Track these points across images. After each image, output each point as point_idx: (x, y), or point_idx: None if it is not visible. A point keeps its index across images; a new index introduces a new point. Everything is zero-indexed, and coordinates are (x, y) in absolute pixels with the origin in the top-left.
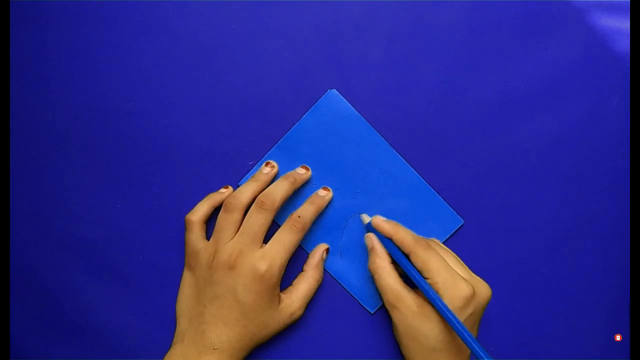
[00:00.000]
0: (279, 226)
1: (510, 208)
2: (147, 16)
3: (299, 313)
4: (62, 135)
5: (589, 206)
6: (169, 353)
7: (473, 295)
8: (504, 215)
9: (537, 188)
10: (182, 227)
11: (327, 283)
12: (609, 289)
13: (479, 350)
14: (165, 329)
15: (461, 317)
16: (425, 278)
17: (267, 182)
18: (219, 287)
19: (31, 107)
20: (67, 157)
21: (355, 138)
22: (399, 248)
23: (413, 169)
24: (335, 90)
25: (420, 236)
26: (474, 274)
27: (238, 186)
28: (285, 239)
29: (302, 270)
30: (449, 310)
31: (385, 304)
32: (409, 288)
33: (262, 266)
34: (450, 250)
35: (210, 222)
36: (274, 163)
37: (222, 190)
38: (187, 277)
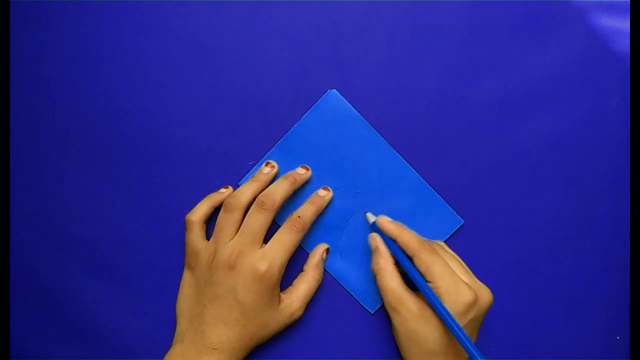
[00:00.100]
0: (279, 226)
1: (510, 208)
2: (147, 16)
3: (299, 313)
4: (62, 135)
5: (589, 206)
6: (169, 353)
7: (475, 301)
8: (504, 215)
9: (537, 188)
10: (182, 227)
11: (327, 283)
12: (609, 289)
13: (478, 357)
14: (165, 329)
15: (462, 322)
16: (427, 282)
17: (267, 182)
18: (219, 287)
19: (31, 107)
20: (67, 157)
21: (355, 138)
22: (402, 250)
23: (413, 169)
24: (335, 90)
25: (425, 239)
26: (477, 279)
27: (238, 186)
28: (285, 239)
29: (302, 270)
30: (449, 315)
31: (385, 305)
32: (410, 291)
33: (262, 266)
34: (455, 255)
35: (210, 222)
36: (274, 163)
37: (222, 190)
38: (187, 277)
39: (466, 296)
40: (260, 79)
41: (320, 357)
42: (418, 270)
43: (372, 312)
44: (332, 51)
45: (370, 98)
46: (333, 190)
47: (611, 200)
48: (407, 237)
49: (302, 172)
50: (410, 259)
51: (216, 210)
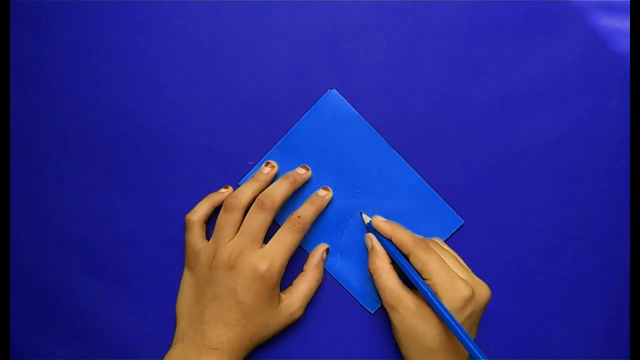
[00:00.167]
0: (279, 226)
1: (510, 208)
2: (147, 16)
3: (299, 313)
4: (62, 135)
5: (589, 206)
6: (169, 353)
7: (472, 296)
8: (504, 215)
9: (537, 188)
10: (182, 227)
11: (327, 283)
12: (609, 289)
13: (476, 352)
14: (165, 329)
15: (460, 318)
16: (424, 279)
17: (267, 182)
18: (219, 287)
19: (31, 107)
20: (67, 157)
21: (355, 138)
22: (398, 249)
23: (413, 169)
24: (335, 90)
25: (420, 237)
26: (474, 275)
27: (238, 186)
28: (285, 239)
29: (302, 270)
30: (447, 312)
31: (384, 304)
32: (407, 289)
33: (262, 266)
34: (451, 251)
35: (210, 222)
36: (274, 163)
37: (222, 190)
38: (187, 277)
39: (463, 292)
40: (260, 79)
41: (320, 357)
42: (414, 268)
43: (372, 312)
44: (332, 51)
45: (370, 98)
46: (333, 190)
47: (611, 200)
48: (402, 235)
49: (302, 172)
50: (406, 257)
51: (216, 210)
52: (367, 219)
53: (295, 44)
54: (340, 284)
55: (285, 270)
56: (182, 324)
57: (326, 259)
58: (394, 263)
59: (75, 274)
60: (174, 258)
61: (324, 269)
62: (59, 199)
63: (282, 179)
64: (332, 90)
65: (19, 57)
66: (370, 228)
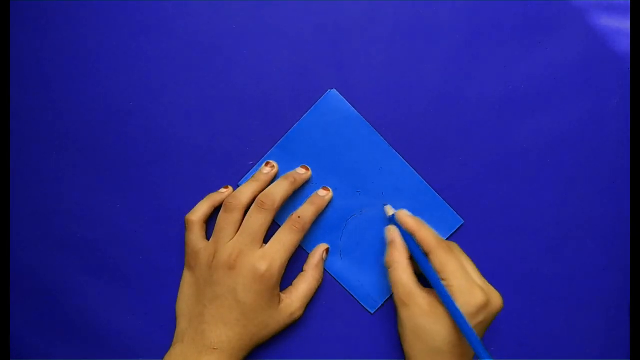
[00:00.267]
0: (279, 226)
1: (510, 208)
2: (147, 16)
3: (299, 313)
4: (62, 135)
5: (589, 206)
6: (169, 353)
7: (486, 304)
8: (504, 215)
9: (537, 188)
10: (182, 227)
11: (327, 283)
12: (609, 289)
13: (486, 358)
14: (165, 329)
15: (471, 323)
16: (441, 279)
17: (267, 182)
18: (219, 287)
19: (31, 107)
20: (67, 157)
21: (355, 138)
22: (419, 246)
23: (413, 169)
24: (335, 90)
25: (442, 238)
26: (489, 284)
27: (238, 186)
28: (285, 239)
29: (302, 270)
30: (461, 315)
31: (395, 299)
32: (421, 286)
33: (262, 266)
34: (469, 258)
35: (210, 222)
36: (274, 163)
37: (222, 190)
38: (187, 277)
39: (478, 298)
40: (260, 79)
41: (320, 357)
42: (433, 267)
43: (372, 312)
44: (332, 51)
45: (370, 98)
46: (333, 190)
47: (611, 200)
48: (426, 233)
49: (302, 172)
50: (426, 255)
51: (216, 210)
52: (390, 211)
53: (295, 44)
54: (340, 284)
55: (285, 270)
56: (182, 324)
57: (326, 259)
58: (410, 260)
59: (75, 274)
60: (174, 258)
61: (324, 269)
62: (59, 199)
63: (282, 179)
64: (332, 90)
65: (19, 57)
66: (392, 221)
